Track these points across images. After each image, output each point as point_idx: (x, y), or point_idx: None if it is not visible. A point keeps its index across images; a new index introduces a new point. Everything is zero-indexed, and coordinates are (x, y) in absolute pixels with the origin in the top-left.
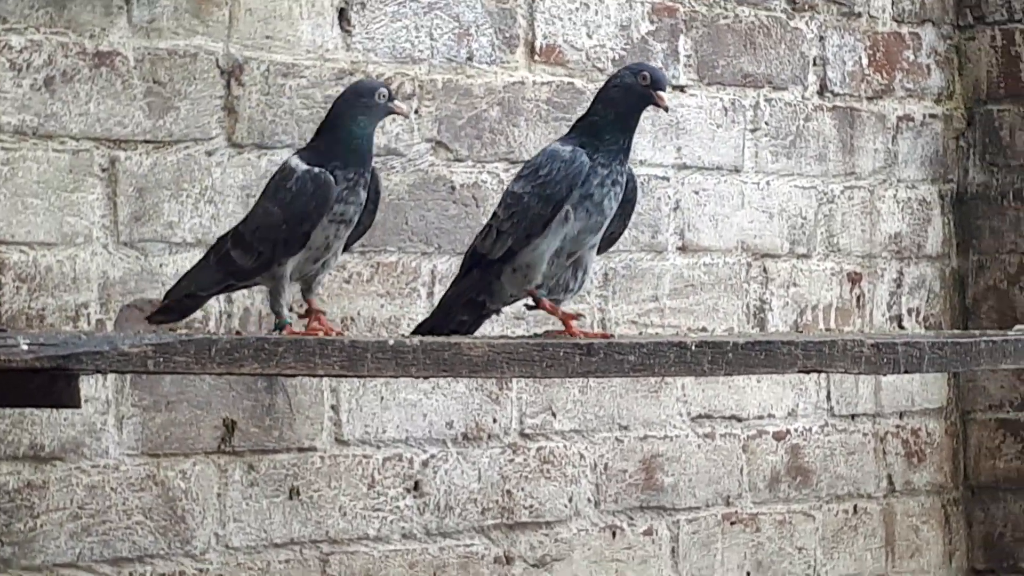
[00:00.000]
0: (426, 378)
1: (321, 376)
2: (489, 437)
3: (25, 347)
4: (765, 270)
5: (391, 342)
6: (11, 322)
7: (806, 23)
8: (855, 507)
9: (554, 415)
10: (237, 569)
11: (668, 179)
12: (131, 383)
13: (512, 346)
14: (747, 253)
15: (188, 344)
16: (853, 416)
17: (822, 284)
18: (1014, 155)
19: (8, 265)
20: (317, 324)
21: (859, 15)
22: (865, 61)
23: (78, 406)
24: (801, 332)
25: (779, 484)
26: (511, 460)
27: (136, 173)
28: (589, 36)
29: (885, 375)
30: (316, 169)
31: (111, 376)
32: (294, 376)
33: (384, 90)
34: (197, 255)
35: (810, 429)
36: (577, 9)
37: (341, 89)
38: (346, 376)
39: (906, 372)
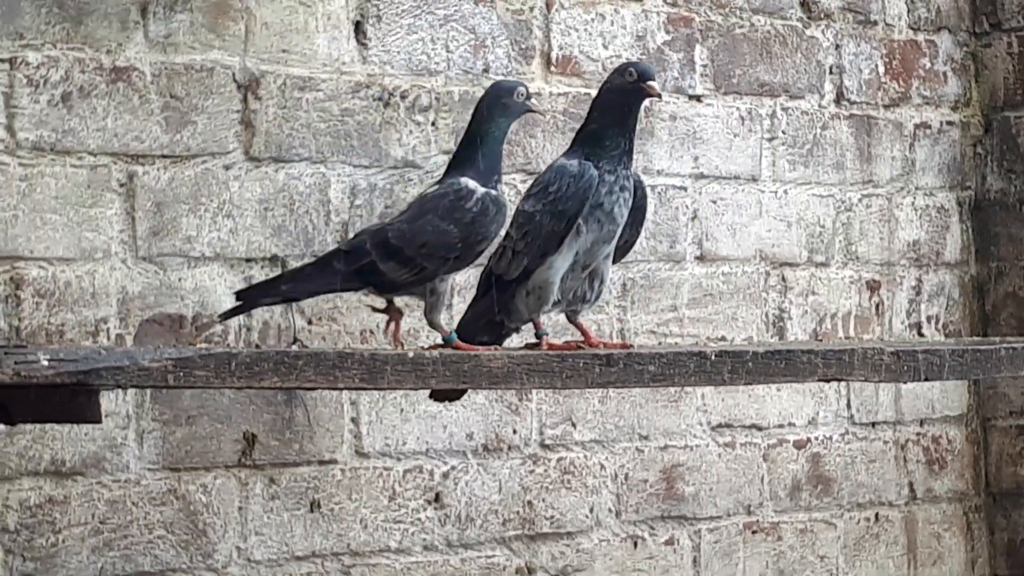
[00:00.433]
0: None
1: (341, 389)
2: (509, 448)
3: (46, 363)
4: (784, 279)
5: (411, 354)
6: (31, 338)
7: (822, 31)
8: (876, 515)
9: (574, 426)
10: None
11: (686, 189)
12: (151, 398)
13: (532, 357)
14: (765, 262)
15: (208, 358)
16: (873, 424)
17: (841, 292)
18: None
19: (27, 281)
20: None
21: (875, 23)
22: (882, 69)
23: (99, 421)
24: (820, 341)
25: (800, 493)
26: (531, 471)
27: (154, 188)
28: (605, 47)
29: (905, 383)
30: (494, 192)
31: (131, 391)
32: (314, 389)
33: (522, 88)
34: (216, 269)
35: (831, 437)
36: (593, 20)
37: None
38: (366, 388)
39: (926, 380)
